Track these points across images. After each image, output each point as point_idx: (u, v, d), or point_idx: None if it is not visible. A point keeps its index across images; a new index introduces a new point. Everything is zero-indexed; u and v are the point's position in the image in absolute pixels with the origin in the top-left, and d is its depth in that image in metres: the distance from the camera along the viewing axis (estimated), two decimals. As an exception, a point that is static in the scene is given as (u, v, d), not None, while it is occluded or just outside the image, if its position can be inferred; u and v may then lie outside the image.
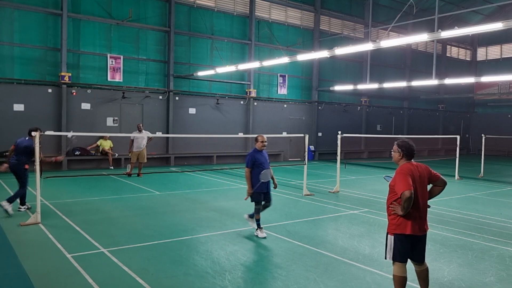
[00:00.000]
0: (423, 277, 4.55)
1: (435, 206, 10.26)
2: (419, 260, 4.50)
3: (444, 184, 4.56)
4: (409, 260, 4.48)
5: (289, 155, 23.27)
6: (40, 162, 7.85)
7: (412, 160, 4.53)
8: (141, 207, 9.75)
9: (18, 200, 8.76)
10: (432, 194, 4.57)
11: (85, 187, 12.17)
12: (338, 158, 13.13)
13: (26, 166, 8.57)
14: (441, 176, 4.57)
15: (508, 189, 14.07)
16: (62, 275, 5.32)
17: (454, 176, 16.43)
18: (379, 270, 5.73)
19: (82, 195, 11.02)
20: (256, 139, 7.72)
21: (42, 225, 7.68)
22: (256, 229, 7.38)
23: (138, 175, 14.58)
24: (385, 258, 4.49)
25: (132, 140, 14.71)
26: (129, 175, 14.42)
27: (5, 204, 8.28)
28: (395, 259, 4.38)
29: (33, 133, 7.93)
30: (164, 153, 19.30)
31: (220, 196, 11.33)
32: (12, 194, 8.70)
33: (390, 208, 4.42)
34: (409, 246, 4.37)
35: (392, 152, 4.59)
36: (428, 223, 4.52)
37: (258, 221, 7.38)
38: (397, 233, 4.33)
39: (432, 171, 4.54)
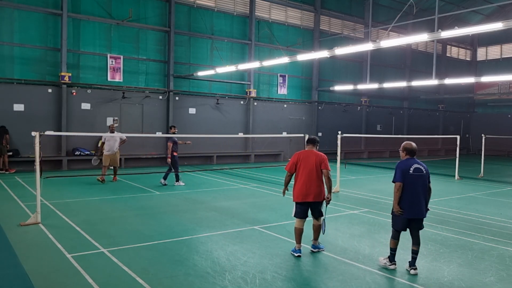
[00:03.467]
0: (315, 229, 6.48)
1: (435, 206, 10.25)
2: (314, 216, 6.44)
3: (326, 175, 6.23)
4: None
5: (289, 155, 23.19)
6: (40, 162, 7.85)
7: (315, 149, 6.51)
8: (141, 207, 9.75)
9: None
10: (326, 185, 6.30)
11: (85, 187, 12.17)
12: (338, 158, 13.12)
13: (175, 153, 12.80)
14: (328, 170, 6.25)
15: (508, 189, 14.06)
16: (62, 275, 5.32)
17: (454, 176, 16.42)
18: (379, 270, 5.73)
19: (82, 195, 11.01)
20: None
21: (42, 225, 7.68)
22: (390, 263, 5.81)
23: (114, 179, 13.42)
24: (292, 215, 6.43)
25: (103, 143, 13.36)
26: (103, 180, 13.02)
27: (177, 183, 12.93)
28: (296, 216, 6.38)
29: (33, 133, 7.91)
30: (164, 153, 19.26)
31: (220, 196, 11.33)
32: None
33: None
34: (305, 208, 6.32)
35: None
36: (325, 193, 6.31)
37: (393, 251, 5.79)
38: (295, 201, 6.35)
39: (324, 162, 6.27)
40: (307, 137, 6.88)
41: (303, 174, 6.25)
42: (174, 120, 19.50)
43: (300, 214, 6.33)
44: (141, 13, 18.50)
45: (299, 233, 6.33)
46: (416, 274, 5.54)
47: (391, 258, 5.80)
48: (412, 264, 5.66)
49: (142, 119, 18.70)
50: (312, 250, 6.48)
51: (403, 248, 6.71)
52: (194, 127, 20.04)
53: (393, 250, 5.78)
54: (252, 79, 21.78)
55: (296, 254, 6.22)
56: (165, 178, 13.02)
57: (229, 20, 21.23)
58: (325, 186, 6.32)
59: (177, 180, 13.08)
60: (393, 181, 5.64)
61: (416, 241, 5.71)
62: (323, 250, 6.50)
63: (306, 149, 6.56)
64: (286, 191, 6.55)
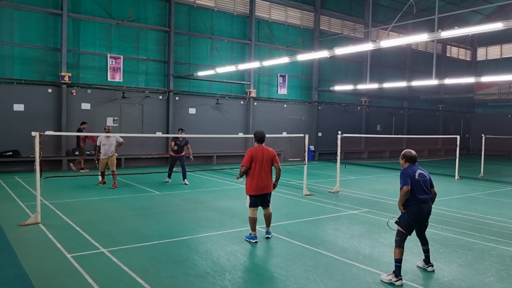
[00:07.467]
0: (267, 217, 7.20)
1: (435, 206, 10.23)
2: (264, 206, 7.13)
3: (278, 169, 7.18)
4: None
5: (289, 155, 23.26)
6: (40, 162, 7.84)
7: (263, 144, 7.18)
8: (141, 207, 9.75)
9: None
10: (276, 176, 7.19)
11: (85, 187, 12.17)
12: (338, 158, 13.12)
13: (183, 153, 13.63)
14: (279, 164, 7.22)
15: (508, 189, 14.06)
16: (62, 275, 5.32)
17: (454, 176, 16.42)
18: (379, 270, 5.73)
19: (82, 195, 11.01)
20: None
21: (42, 225, 7.68)
22: (395, 278, 5.30)
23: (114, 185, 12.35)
24: (246, 206, 7.09)
25: (99, 146, 12.40)
26: (104, 183, 12.68)
27: (185, 181, 13.37)
28: (250, 206, 7.03)
29: (33, 133, 7.89)
30: (164, 153, 19.28)
31: (220, 196, 11.33)
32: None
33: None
34: (258, 199, 7.02)
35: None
36: (273, 186, 7.16)
37: (398, 262, 5.34)
38: (250, 194, 6.99)
39: (275, 156, 7.19)
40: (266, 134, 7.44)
41: (259, 169, 6.94)
42: (174, 120, 19.52)
43: (256, 203, 7.03)
44: (141, 13, 18.50)
45: (255, 221, 7.03)
46: (433, 271, 5.73)
47: (397, 272, 5.29)
48: (428, 262, 5.83)
49: (142, 119, 18.69)
50: (267, 237, 7.17)
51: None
52: (194, 127, 20.03)
53: (399, 262, 5.33)
54: (252, 79, 21.79)
55: (254, 241, 6.91)
56: (184, 177, 13.60)
57: (229, 20, 21.23)
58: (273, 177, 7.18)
59: (169, 177, 14.04)
60: (401, 187, 5.38)
61: (425, 241, 5.84)
62: (271, 236, 7.25)
63: (254, 146, 7.17)
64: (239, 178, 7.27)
